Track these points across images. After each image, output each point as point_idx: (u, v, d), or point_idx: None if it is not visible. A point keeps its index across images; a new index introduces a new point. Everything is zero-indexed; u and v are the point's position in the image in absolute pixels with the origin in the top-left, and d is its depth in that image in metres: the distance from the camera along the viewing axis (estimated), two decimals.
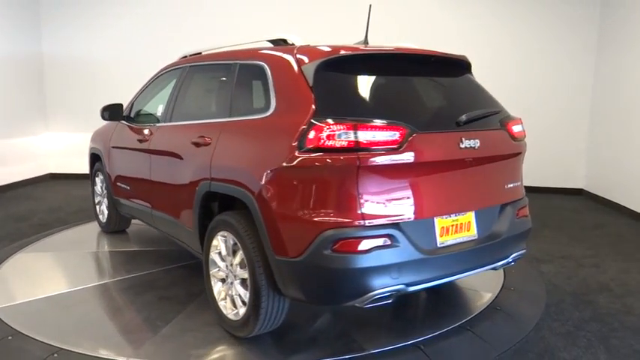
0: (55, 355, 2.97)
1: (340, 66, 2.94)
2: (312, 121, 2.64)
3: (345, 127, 2.58)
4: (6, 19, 7.92)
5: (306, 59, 2.94)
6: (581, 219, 6.62)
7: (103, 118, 4.78)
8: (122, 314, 3.58)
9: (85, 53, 8.70)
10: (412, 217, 2.73)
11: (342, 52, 2.98)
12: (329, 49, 2.99)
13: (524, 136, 3.39)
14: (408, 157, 2.69)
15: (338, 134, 2.58)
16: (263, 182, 2.81)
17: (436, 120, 3.06)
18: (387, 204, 2.67)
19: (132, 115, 4.81)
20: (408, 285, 2.73)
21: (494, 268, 3.23)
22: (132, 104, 4.87)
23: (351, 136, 2.57)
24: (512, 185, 3.26)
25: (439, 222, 2.87)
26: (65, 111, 8.97)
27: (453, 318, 3.47)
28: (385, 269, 2.64)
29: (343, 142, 2.57)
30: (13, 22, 8.10)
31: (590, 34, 7.72)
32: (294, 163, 2.66)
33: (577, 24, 7.75)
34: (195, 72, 4.07)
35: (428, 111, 3.16)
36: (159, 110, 4.36)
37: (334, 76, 2.88)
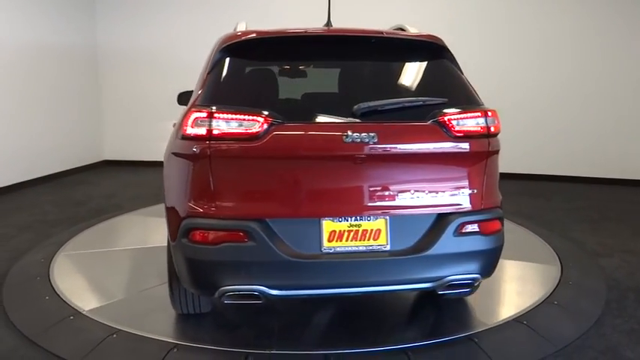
0: (114, 335, 3.06)
1: (244, 51, 2.81)
2: (191, 109, 2.61)
3: (202, 115, 2.53)
4: (61, 9, 8.17)
5: (218, 45, 2.86)
6: None
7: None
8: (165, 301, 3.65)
9: (139, 43, 8.90)
10: (283, 215, 2.56)
11: (243, 37, 2.82)
12: (237, 34, 2.85)
13: (484, 132, 2.73)
14: (269, 149, 2.50)
15: (197, 122, 2.53)
16: (164, 169, 2.98)
17: (330, 111, 2.73)
18: (246, 198, 2.56)
19: None
20: (271, 288, 2.55)
21: (425, 289, 2.80)
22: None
23: (207, 125, 2.51)
24: (456, 193, 2.70)
25: (327, 225, 2.57)
26: (119, 100, 9.21)
27: (507, 311, 3.39)
28: (236, 267, 2.54)
29: (201, 131, 2.51)
30: (69, 13, 8.35)
31: None
32: (174, 150, 2.72)
33: None
34: None
35: (325, 100, 2.82)
36: None
37: (233, 62, 2.77)
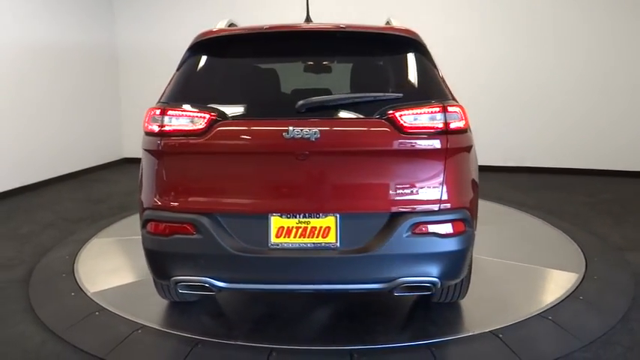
0: (139, 331, 3.10)
1: (209, 48, 2.87)
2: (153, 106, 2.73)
3: (157, 112, 2.65)
4: (81, 8, 8.25)
5: (191, 42, 2.91)
6: None
7: None
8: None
9: (158, 41, 8.94)
10: (230, 210, 2.60)
11: (205, 36, 2.88)
12: (202, 33, 2.90)
13: (440, 129, 2.58)
14: (213, 144, 2.57)
15: (153, 119, 2.65)
16: None
17: (285, 107, 2.74)
18: (195, 192, 2.63)
19: None
20: (218, 280, 2.62)
21: (377, 290, 2.71)
22: None
23: (160, 122, 2.62)
24: (410, 192, 2.58)
25: (276, 221, 2.58)
26: (138, 98, 9.28)
27: (531, 306, 3.34)
28: (185, 258, 2.62)
29: (156, 127, 2.63)
30: (88, 11, 8.43)
31: None
32: (142, 145, 2.79)
33: None
34: None
35: (284, 97, 2.78)
36: None
37: (198, 60, 2.84)
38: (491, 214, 5.61)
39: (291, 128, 2.51)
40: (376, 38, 2.92)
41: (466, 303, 3.44)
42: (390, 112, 2.57)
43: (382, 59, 2.97)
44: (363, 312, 3.33)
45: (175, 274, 2.66)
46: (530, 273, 3.91)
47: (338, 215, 2.57)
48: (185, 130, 2.60)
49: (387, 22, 3.22)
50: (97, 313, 3.35)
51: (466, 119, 2.67)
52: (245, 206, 2.63)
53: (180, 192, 2.63)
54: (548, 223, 5.15)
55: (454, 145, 2.61)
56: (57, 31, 7.63)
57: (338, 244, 2.57)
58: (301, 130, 2.51)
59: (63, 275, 3.98)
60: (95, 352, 2.90)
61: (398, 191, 2.58)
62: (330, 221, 2.58)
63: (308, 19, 3.24)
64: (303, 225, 2.58)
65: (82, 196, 6.83)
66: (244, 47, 2.95)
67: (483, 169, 8.03)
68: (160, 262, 2.71)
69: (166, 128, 2.62)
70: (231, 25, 3.13)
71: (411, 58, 2.85)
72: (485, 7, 7.75)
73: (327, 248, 2.58)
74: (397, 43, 2.88)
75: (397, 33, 2.87)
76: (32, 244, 4.82)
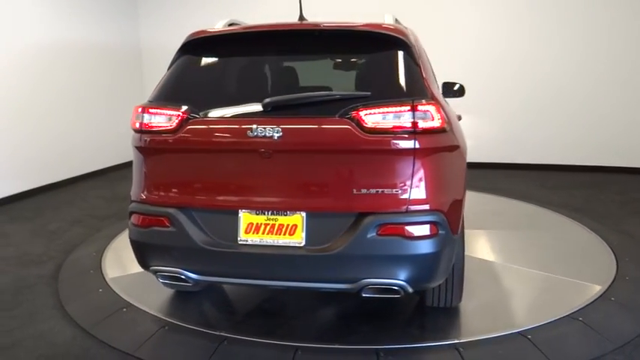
0: (166, 327, 3.13)
1: (194, 49, 2.94)
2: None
3: (139, 110, 2.78)
4: (106, 10, 8.37)
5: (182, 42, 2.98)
6: None
7: None
8: (217, 294, 3.71)
9: (180, 41, 9.00)
10: (202, 205, 2.67)
11: (191, 37, 2.94)
12: (192, 33, 2.96)
13: (407, 129, 2.46)
14: (184, 141, 2.66)
15: (136, 117, 2.78)
16: None
17: (250, 107, 2.72)
18: (171, 187, 2.74)
19: None
20: (190, 272, 2.72)
21: (342, 290, 2.67)
22: None
23: (141, 119, 2.76)
24: (375, 192, 2.51)
25: (245, 217, 2.62)
26: None
27: (561, 308, 3.27)
28: (160, 249, 2.75)
29: (138, 125, 2.77)
30: (113, 14, 8.54)
31: None
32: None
33: None
34: None
35: (260, 95, 2.73)
36: None
37: (184, 60, 2.93)
38: (519, 213, 5.55)
39: (254, 126, 2.54)
40: (354, 36, 2.86)
41: (493, 303, 3.39)
42: (354, 111, 2.52)
43: (360, 57, 2.97)
44: (390, 310, 3.31)
45: (153, 264, 2.82)
46: (559, 273, 3.83)
47: (305, 213, 2.57)
48: (159, 128, 2.72)
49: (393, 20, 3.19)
50: (124, 309, 3.39)
51: (442, 118, 2.53)
52: (216, 202, 2.68)
53: (158, 187, 2.77)
54: (577, 222, 5.05)
55: (425, 146, 2.50)
56: (86, 34, 7.75)
57: (304, 242, 2.57)
58: (264, 128, 2.53)
59: (91, 272, 4.04)
60: (123, 348, 2.93)
61: (363, 191, 2.52)
62: (297, 219, 2.58)
63: (301, 18, 3.22)
64: (271, 222, 2.61)
65: (109, 194, 6.93)
66: (225, 48, 3.00)
67: (511, 167, 7.98)
68: (141, 252, 2.86)
69: (145, 126, 2.76)
70: (231, 24, 3.15)
71: (387, 55, 2.75)
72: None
73: (292, 246, 2.58)
74: (374, 41, 2.79)
75: (373, 30, 2.77)
76: (60, 241, 4.91)
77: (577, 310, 3.23)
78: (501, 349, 2.88)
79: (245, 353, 2.89)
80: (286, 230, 2.59)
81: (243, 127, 2.56)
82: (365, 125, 2.48)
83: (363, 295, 2.62)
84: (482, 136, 7.72)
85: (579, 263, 4.05)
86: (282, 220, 2.60)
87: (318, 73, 2.98)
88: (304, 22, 3.11)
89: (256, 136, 2.53)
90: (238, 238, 2.63)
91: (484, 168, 7.59)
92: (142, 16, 9.15)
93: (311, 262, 2.57)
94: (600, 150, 7.56)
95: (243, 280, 2.82)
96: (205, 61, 2.98)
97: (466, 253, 4.14)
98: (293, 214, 2.58)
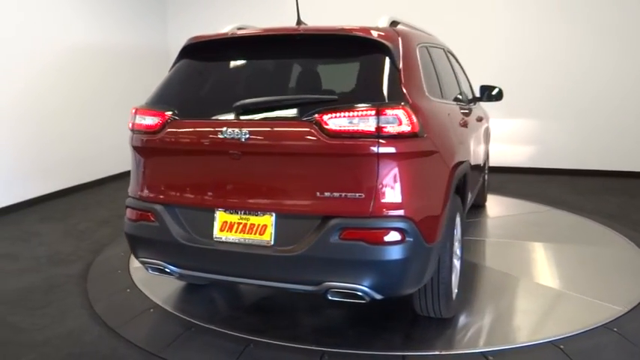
0: (192, 329, 3.14)
1: (190, 54, 3.09)
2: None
3: (132, 111, 2.96)
4: (136, 13, 8.50)
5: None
6: None
7: None
8: (244, 296, 3.71)
9: None
10: (182, 202, 2.82)
11: (190, 42, 3.07)
12: (193, 36, 3.09)
13: (371, 133, 2.43)
14: (165, 142, 2.82)
15: (130, 117, 2.96)
16: None
17: (229, 109, 2.74)
18: (156, 185, 2.90)
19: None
20: (171, 265, 2.86)
21: (308, 292, 2.63)
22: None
23: (133, 120, 2.95)
24: (339, 196, 2.48)
25: (221, 215, 2.74)
26: None
27: (594, 317, 3.18)
28: (145, 242, 2.93)
29: (130, 125, 2.96)
30: (143, 17, 8.68)
31: None
32: None
33: None
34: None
35: (231, 99, 2.74)
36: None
37: (182, 64, 3.08)
38: (552, 218, 5.43)
39: (224, 129, 2.63)
40: (333, 40, 2.85)
41: (525, 311, 3.32)
42: (318, 114, 2.50)
43: (338, 60, 3.05)
44: (416, 316, 3.25)
45: (142, 256, 2.99)
46: (592, 282, 3.73)
47: (274, 214, 2.64)
48: (145, 129, 2.89)
49: (394, 22, 3.15)
50: (151, 310, 3.41)
51: (413, 123, 2.48)
52: (195, 200, 2.80)
53: (147, 184, 2.94)
54: (609, 229, 4.91)
55: (392, 151, 2.46)
56: (121, 34, 7.89)
57: (272, 242, 2.63)
58: (233, 130, 2.61)
59: (118, 272, 4.09)
60: (149, 349, 2.95)
61: (327, 194, 2.51)
62: (267, 220, 2.65)
63: (299, 22, 3.23)
64: (243, 221, 2.70)
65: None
66: (216, 52, 3.10)
67: (542, 172, 7.84)
68: (133, 244, 3.04)
69: (136, 126, 2.94)
70: (240, 29, 3.17)
71: (363, 59, 2.76)
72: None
73: (261, 245, 2.65)
74: (352, 45, 2.79)
75: (348, 34, 2.75)
76: (89, 241, 4.99)
77: (612, 320, 3.13)
78: (533, 358, 2.81)
79: (270, 356, 2.87)
80: (257, 230, 2.67)
81: (216, 129, 2.68)
82: (328, 128, 2.48)
83: (330, 298, 2.61)
84: (514, 140, 7.74)
85: (614, 271, 3.94)
86: (253, 219, 2.69)
87: (302, 77, 3.02)
88: (301, 26, 3.14)
89: (226, 138, 2.64)
90: (214, 236, 2.74)
91: (515, 173, 7.61)
92: (170, 18, 9.27)
93: (277, 262, 2.62)
94: (632, 155, 7.37)
95: (219, 277, 2.89)
96: (197, 65, 3.10)
97: (499, 267, 4.05)
98: (264, 214, 2.66)
